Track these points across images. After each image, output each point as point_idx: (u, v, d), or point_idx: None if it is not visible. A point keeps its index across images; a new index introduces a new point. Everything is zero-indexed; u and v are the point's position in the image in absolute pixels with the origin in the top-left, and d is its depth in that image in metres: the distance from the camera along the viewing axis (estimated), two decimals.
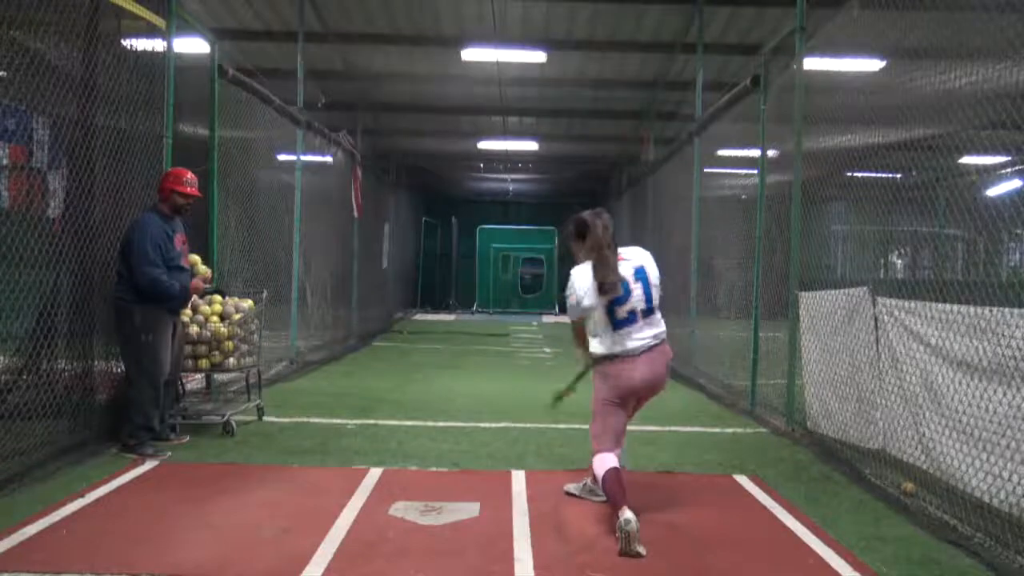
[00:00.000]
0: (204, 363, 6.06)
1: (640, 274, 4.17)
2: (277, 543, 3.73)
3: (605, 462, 4.05)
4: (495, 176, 23.37)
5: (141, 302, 5.31)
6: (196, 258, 6.07)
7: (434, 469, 5.18)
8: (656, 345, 4.17)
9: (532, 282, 25.39)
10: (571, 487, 4.62)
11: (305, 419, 6.71)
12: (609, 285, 4.06)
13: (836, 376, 5.79)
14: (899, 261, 10.04)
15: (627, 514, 3.71)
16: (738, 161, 9.38)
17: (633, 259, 4.22)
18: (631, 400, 4.22)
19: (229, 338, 6.08)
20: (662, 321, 4.25)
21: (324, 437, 6.02)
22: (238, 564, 3.47)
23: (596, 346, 4.18)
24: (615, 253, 4.15)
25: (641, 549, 3.64)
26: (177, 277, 5.47)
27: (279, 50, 11.75)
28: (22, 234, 4.73)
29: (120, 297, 5.37)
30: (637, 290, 4.14)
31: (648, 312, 4.17)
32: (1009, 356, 3.87)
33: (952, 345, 4.33)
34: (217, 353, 6.06)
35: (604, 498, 4.40)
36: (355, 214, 13.57)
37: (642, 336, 4.14)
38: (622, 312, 4.11)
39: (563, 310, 4.34)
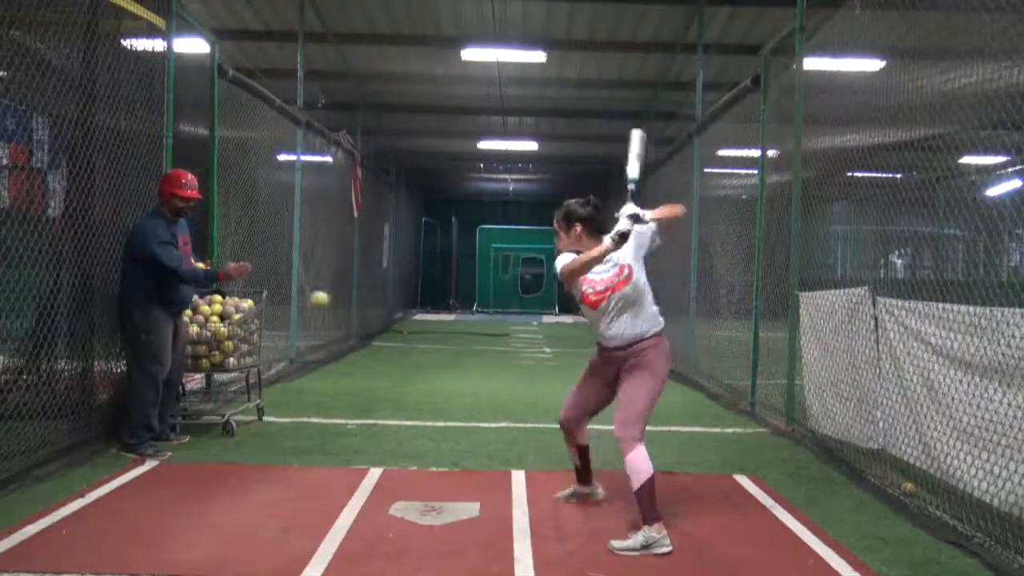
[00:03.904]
0: (204, 363, 6.06)
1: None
2: (277, 543, 3.73)
3: (648, 462, 3.81)
4: (495, 176, 23.38)
5: (143, 302, 5.31)
6: (200, 265, 6.08)
7: (434, 469, 5.18)
8: None
9: (532, 282, 25.39)
10: (561, 497, 4.51)
11: (305, 419, 6.71)
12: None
13: (836, 376, 5.79)
14: (899, 261, 10.04)
15: (668, 541, 3.69)
16: (738, 161, 9.38)
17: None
18: None
19: (229, 338, 6.08)
20: None
21: (324, 437, 6.02)
22: (238, 564, 3.47)
23: (659, 316, 4.05)
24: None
25: None
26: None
27: (279, 50, 11.77)
28: (22, 234, 4.73)
29: (123, 297, 5.38)
30: None
31: None
32: (1009, 356, 3.87)
33: (952, 345, 4.33)
34: (217, 353, 6.06)
35: (598, 495, 4.42)
36: (355, 214, 13.57)
37: None
38: None
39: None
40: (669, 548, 3.68)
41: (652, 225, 3.96)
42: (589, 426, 4.35)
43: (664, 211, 3.95)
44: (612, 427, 3.95)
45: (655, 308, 4.03)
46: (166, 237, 5.36)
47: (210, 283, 5.89)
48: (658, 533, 3.70)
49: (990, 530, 3.87)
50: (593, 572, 3.48)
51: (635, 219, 3.77)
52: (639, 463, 3.80)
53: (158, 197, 5.58)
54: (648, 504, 3.76)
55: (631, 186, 4.00)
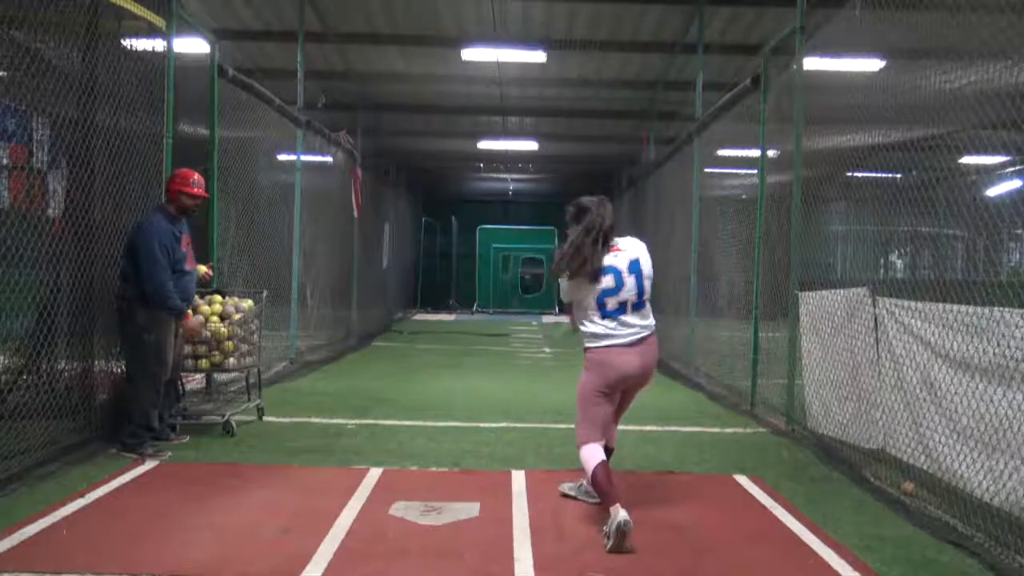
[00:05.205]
0: (204, 363, 6.06)
1: (635, 267, 4.20)
2: (277, 543, 3.73)
3: (594, 455, 4.07)
4: (495, 176, 23.38)
5: (144, 302, 5.31)
6: (203, 268, 6.07)
7: (434, 469, 5.18)
8: (646, 336, 4.21)
9: (532, 282, 25.41)
10: (567, 487, 4.60)
11: (305, 419, 6.71)
12: (590, 271, 4.13)
13: (836, 376, 5.79)
14: (899, 261, 10.03)
15: (623, 513, 3.71)
16: (738, 161, 9.38)
17: (629, 250, 4.24)
18: (618, 391, 4.24)
19: (229, 338, 6.08)
20: (651, 315, 4.29)
21: (324, 437, 6.02)
22: (238, 564, 3.47)
23: (587, 333, 4.22)
24: (608, 243, 4.19)
25: (631, 547, 3.68)
26: (183, 281, 5.48)
27: (279, 50, 11.76)
28: (22, 234, 4.73)
29: (123, 297, 5.37)
30: (630, 282, 4.16)
31: (638, 305, 4.20)
32: (1009, 356, 3.87)
33: (952, 345, 4.33)
34: (217, 353, 6.06)
35: (598, 499, 4.43)
36: (355, 214, 13.57)
37: (631, 326, 4.17)
38: (612, 303, 4.15)
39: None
40: (620, 519, 3.71)
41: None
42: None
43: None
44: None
45: (584, 332, 4.26)
46: (168, 239, 5.35)
47: (173, 313, 5.40)
48: (612, 514, 3.76)
49: (990, 530, 3.87)
50: (593, 572, 3.48)
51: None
52: (584, 460, 4.12)
53: (165, 195, 5.59)
54: (599, 492, 4.04)
55: None
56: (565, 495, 4.57)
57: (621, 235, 4.35)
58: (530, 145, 18.45)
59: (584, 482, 4.52)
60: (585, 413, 4.23)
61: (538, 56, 11.88)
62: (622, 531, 3.66)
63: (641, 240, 4.39)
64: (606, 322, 4.16)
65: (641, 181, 14.87)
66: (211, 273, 6.24)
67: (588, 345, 4.24)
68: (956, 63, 4.37)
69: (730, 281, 8.82)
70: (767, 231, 7.32)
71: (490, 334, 16.41)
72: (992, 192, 9.17)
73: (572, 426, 6.04)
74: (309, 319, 10.91)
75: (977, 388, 4.12)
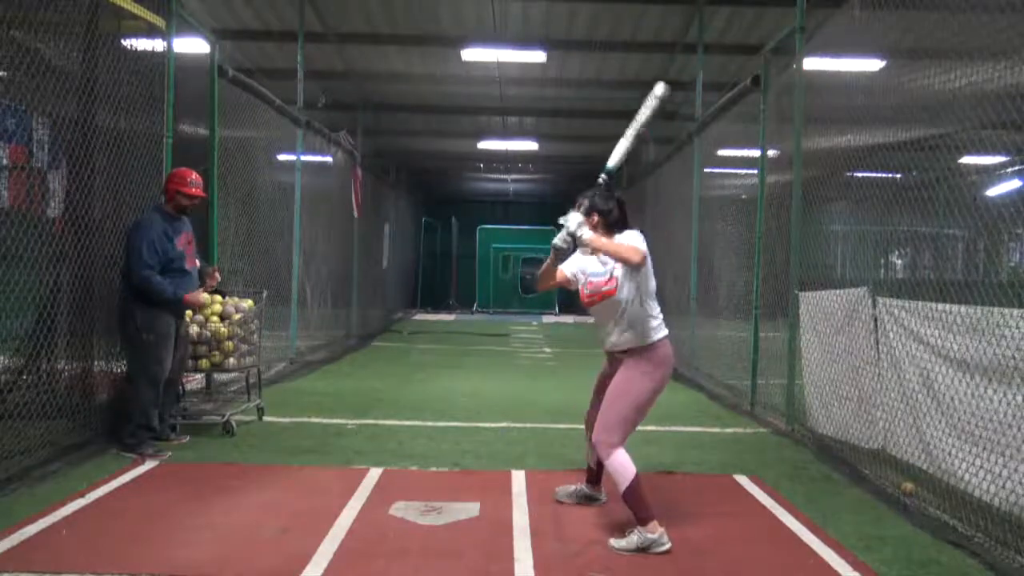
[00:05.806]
0: (204, 363, 6.06)
1: None
2: (277, 543, 3.73)
3: (630, 463, 3.82)
4: (495, 176, 23.37)
5: (147, 301, 5.31)
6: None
7: (434, 469, 5.18)
8: None
9: (532, 282, 25.38)
10: (562, 495, 4.51)
11: (305, 419, 6.71)
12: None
13: (836, 376, 5.79)
14: (899, 261, 10.03)
15: (669, 541, 3.70)
16: (738, 161, 9.38)
17: None
18: None
19: (229, 338, 6.07)
20: None
21: (324, 437, 6.02)
22: (238, 564, 3.47)
23: (655, 324, 3.93)
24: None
25: None
26: (180, 279, 5.45)
27: (279, 50, 11.76)
28: (22, 234, 4.73)
29: (124, 296, 5.38)
30: None
31: None
32: (1009, 356, 3.87)
33: (952, 345, 4.33)
34: (217, 353, 6.06)
35: (600, 501, 4.41)
36: (355, 214, 13.57)
37: None
38: None
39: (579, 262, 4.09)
40: (668, 546, 3.69)
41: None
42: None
43: (608, 246, 3.82)
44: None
45: (651, 322, 3.91)
46: (160, 237, 5.31)
47: (175, 304, 5.44)
48: (653, 532, 3.70)
49: (990, 530, 3.87)
50: (593, 572, 3.48)
51: (572, 238, 3.79)
52: (620, 466, 3.81)
53: (163, 194, 5.59)
54: (638, 505, 3.77)
55: (603, 177, 4.05)
56: (561, 502, 4.48)
57: None
58: (530, 145, 18.45)
59: (581, 485, 4.49)
60: (633, 418, 3.90)
61: (538, 56, 11.88)
62: (662, 553, 3.66)
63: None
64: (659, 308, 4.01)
65: (641, 181, 14.87)
66: (217, 276, 6.12)
67: (662, 336, 3.92)
68: (956, 63, 4.37)
69: (730, 281, 8.82)
70: (767, 231, 7.32)
71: (490, 334, 16.40)
72: (992, 192, 9.16)
73: (572, 426, 6.04)
74: (309, 319, 10.91)
75: (977, 388, 4.12)
